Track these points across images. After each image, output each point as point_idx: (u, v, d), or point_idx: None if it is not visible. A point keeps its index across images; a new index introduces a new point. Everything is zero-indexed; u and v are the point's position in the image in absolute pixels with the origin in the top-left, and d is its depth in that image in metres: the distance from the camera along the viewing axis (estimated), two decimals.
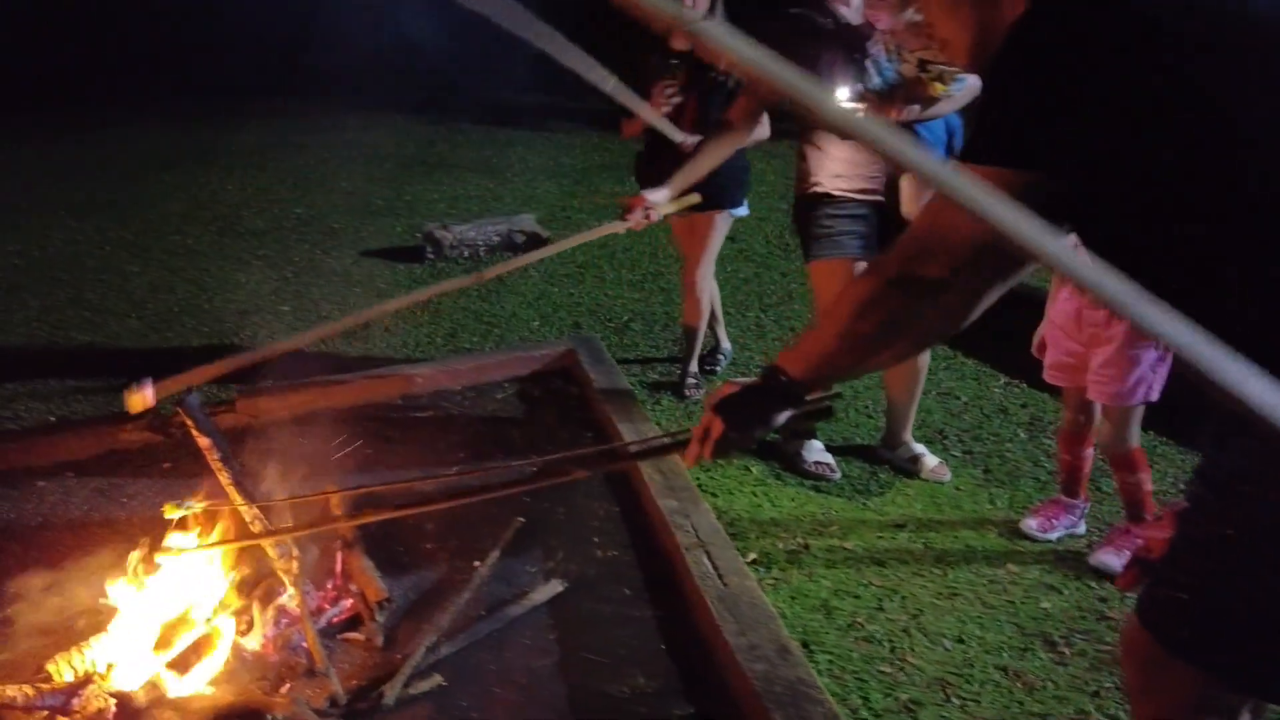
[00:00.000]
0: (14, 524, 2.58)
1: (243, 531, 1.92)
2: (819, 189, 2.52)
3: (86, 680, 1.63)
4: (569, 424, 2.96)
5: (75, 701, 1.59)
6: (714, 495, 2.69)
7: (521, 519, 2.37)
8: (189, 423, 1.80)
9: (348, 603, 2.07)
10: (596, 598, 2.14)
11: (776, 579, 2.35)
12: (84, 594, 2.20)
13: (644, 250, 5.65)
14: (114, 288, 4.79)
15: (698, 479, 2.67)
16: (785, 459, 2.87)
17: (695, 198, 2.77)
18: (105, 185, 7.33)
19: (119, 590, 1.91)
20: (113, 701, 1.63)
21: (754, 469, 2.85)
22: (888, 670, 2.06)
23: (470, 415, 3.04)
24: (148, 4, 13.91)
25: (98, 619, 2.05)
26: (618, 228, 2.55)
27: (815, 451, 2.84)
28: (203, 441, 1.82)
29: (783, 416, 1.28)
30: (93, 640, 1.82)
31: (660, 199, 2.51)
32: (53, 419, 3.36)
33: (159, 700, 1.73)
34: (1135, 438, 2.34)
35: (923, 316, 1.13)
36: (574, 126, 10.09)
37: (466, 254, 5.25)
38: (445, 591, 2.15)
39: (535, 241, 5.41)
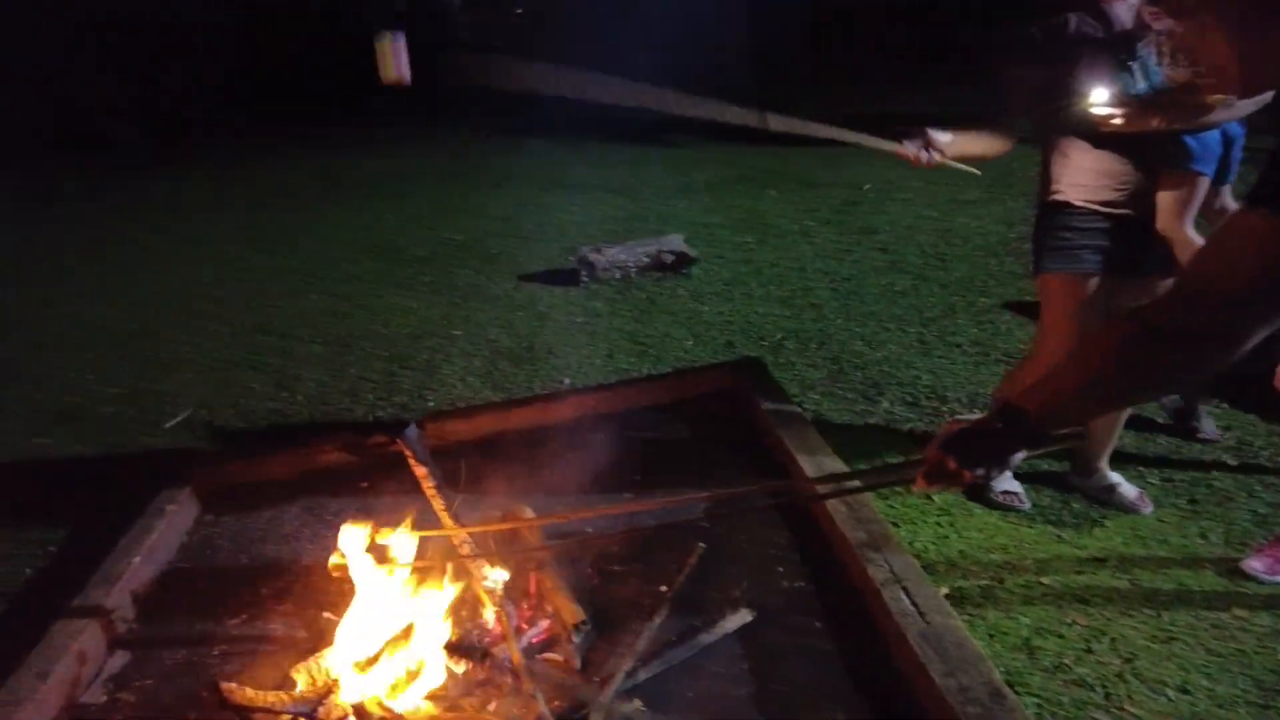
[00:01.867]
0: (239, 538, 2.84)
1: (453, 555, 2.03)
2: (1059, 197, 2.38)
3: (328, 690, 1.77)
4: (740, 450, 2.95)
5: (320, 710, 1.73)
6: (896, 526, 2.62)
7: (703, 545, 2.39)
8: (407, 454, 1.92)
9: (545, 623, 2.14)
10: (786, 629, 2.12)
11: (971, 615, 2.26)
12: (305, 606, 2.40)
13: (791, 266, 5.61)
14: (294, 314, 5.21)
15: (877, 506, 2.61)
16: (970, 488, 2.76)
17: (976, 171, 2.55)
18: (273, 214, 7.99)
19: (346, 604, 2.06)
20: (351, 711, 1.76)
21: (936, 498, 2.76)
22: (1103, 718, 1.94)
23: (641, 439, 3.10)
24: (295, 37, 15.15)
25: (321, 631, 2.24)
26: (892, 147, 2.29)
27: (1004, 480, 2.72)
28: (419, 470, 1.94)
29: (1019, 458, 1.24)
30: (326, 652, 1.97)
31: (944, 141, 2.27)
32: (259, 439, 3.69)
33: (387, 713, 1.85)
34: None
35: (1183, 366, 1.09)
36: (701, 141, 10.15)
37: (619, 275, 5.37)
38: (635, 615, 2.20)
39: (683, 261, 5.47)
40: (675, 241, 5.58)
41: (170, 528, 2.82)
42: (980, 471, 1.22)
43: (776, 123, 2.09)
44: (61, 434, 3.93)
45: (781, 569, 2.32)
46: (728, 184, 8.09)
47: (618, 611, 2.23)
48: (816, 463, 2.57)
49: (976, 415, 1.28)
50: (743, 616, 2.12)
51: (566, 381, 4.03)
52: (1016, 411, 1.20)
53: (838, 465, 2.61)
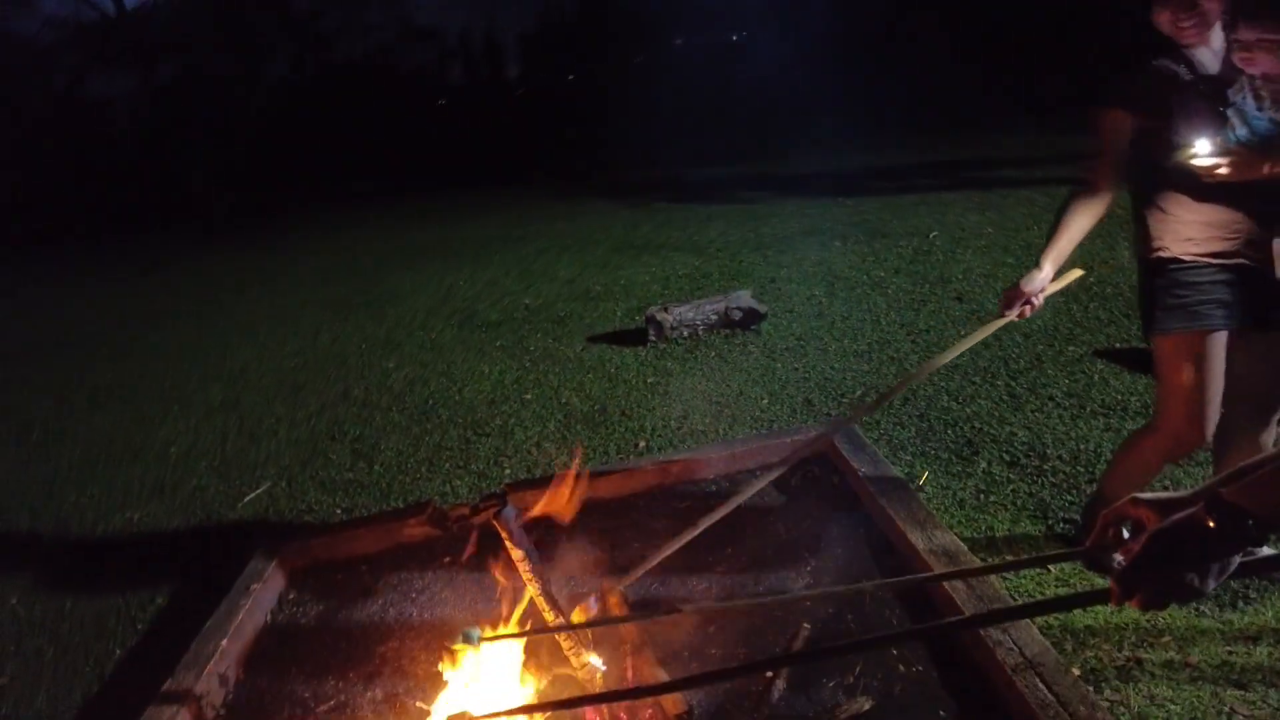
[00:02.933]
0: (324, 617, 2.80)
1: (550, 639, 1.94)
2: (1165, 254, 2.21)
3: None
4: (837, 516, 2.81)
5: None
6: (1014, 598, 2.42)
7: (808, 625, 2.25)
8: (504, 534, 1.85)
9: (646, 712, 2.02)
10: (909, 719, 1.95)
11: (1111, 701, 2.05)
12: (395, 693, 2.33)
13: (865, 318, 5.45)
14: (375, 383, 5.28)
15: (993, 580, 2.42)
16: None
17: (1077, 272, 2.54)
18: (356, 284, 8.24)
19: (440, 692, 1.98)
20: None
21: (1054, 569, 2.55)
22: None
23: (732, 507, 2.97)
24: (360, 114, 15.98)
25: (411, 714, 2.16)
26: (1001, 323, 2.35)
27: None
28: (516, 554, 1.87)
29: (1235, 563, 1.05)
30: None
31: (1039, 285, 2.30)
32: (339, 511, 3.68)
33: None
34: None
35: None
36: (768, 196, 10.15)
37: (686, 334, 5.30)
38: (741, 703, 2.06)
39: (753, 317, 5.38)
40: (743, 298, 5.50)
41: (256, 607, 2.80)
42: (1198, 585, 1.03)
43: (937, 361, 2.34)
44: (152, 508, 4.00)
45: (896, 651, 2.16)
46: (795, 237, 8.01)
47: (725, 698, 2.10)
48: (930, 539, 2.41)
49: (1158, 494, 1.12)
50: (859, 705, 1.96)
51: (642, 445, 3.95)
52: (1234, 511, 1.02)
53: (954, 544, 2.44)
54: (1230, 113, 2.07)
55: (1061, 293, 5.47)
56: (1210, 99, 2.08)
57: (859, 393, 4.30)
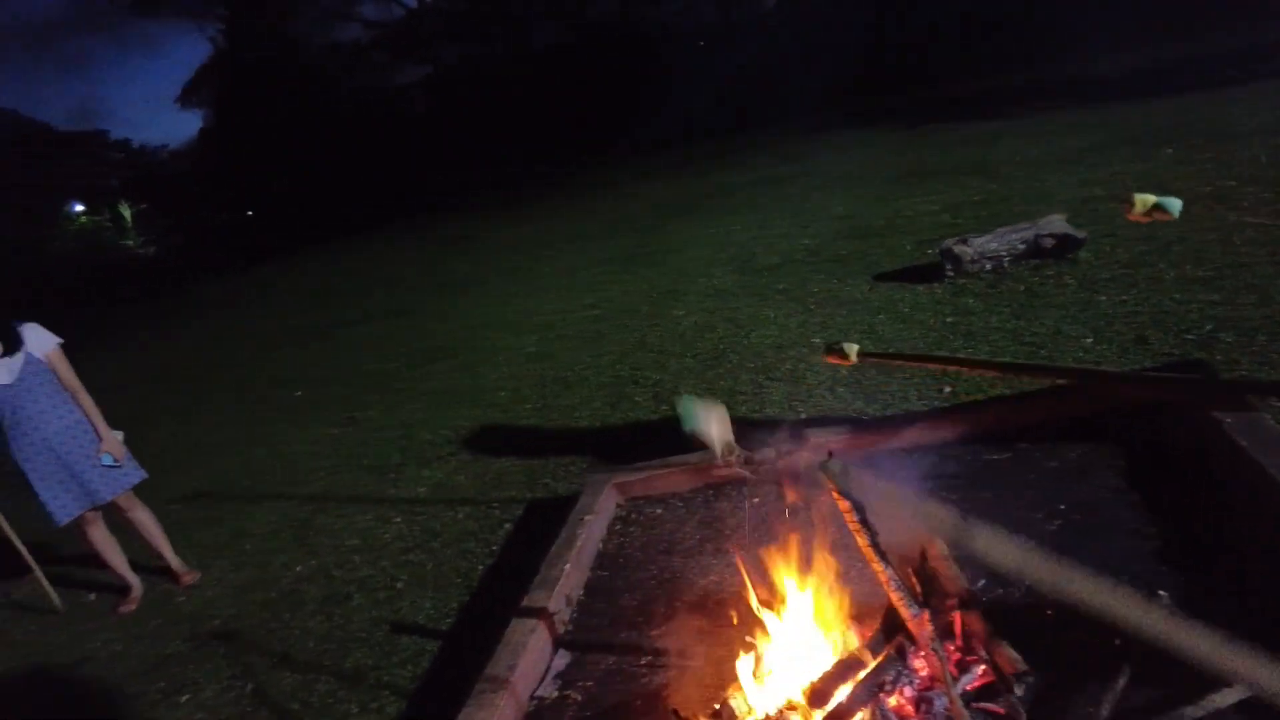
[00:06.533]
0: (647, 548, 3.06)
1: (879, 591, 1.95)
2: None
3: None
4: (1200, 480, 2.48)
5: None
6: None
7: (1164, 593, 2.04)
8: (831, 486, 1.88)
9: (980, 669, 1.97)
10: None
11: None
12: (719, 624, 2.49)
13: (1210, 238, 4.67)
14: (666, 330, 5.56)
15: None
16: None
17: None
18: (635, 239, 8.66)
19: (764, 636, 2.09)
20: None
21: None
22: None
23: (1049, 461, 2.76)
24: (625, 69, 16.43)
25: (736, 652, 2.29)
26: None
27: None
28: (843, 504, 1.89)
29: None
30: (754, 683, 2.02)
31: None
32: (649, 451, 3.95)
33: None
34: None
35: None
36: (1065, 103, 8.97)
37: (989, 267, 4.91)
38: (1083, 670, 1.94)
39: (1068, 244, 4.84)
40: (1056, 223, 4.96)
41: (590, 537, 3.13)
42: None
43: None
44: (490, 445, 4.61)
45: None
46: (1107, 149, 7.03)
47: (1066, 664, 1.99)
48: None
49: None
50: (1239, 690, 1.75)
51: (947, 390, 3.76)
52: None
53: None
54: None
55: None
56: None
57: (1209, 328, 3.72)
